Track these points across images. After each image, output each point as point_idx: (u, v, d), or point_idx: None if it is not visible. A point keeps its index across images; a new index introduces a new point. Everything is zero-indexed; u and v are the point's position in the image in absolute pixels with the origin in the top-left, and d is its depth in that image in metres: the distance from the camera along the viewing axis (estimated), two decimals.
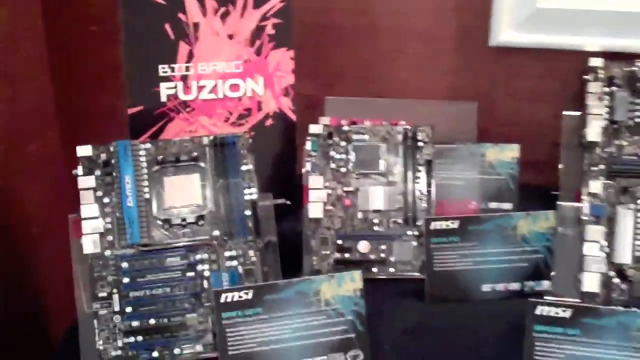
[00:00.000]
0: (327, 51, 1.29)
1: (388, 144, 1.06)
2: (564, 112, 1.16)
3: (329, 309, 0.85)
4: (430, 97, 1.25)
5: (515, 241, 0.98)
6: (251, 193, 0.93)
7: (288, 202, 1.04)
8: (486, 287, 0.98)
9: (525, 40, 1.20)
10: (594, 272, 0.87)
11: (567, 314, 0.80)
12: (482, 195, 1.15)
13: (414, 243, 1.03)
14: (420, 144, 1.06)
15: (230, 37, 1.09)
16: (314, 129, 1.05)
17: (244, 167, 0.94)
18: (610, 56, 1.15)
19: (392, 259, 1.04)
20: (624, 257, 0.87)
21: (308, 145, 1.05)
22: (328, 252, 1.04)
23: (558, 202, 0.96)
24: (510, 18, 1.19)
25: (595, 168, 1.12)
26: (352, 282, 0.86)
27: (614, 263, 0.87)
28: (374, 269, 1.04)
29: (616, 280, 0.87)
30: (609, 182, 0.91)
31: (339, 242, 1.04)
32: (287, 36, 1.11)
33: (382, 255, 1.04)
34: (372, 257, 1.04)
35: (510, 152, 1.16)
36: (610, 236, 0.88)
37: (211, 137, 0.94)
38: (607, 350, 0.80)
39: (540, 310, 0.81)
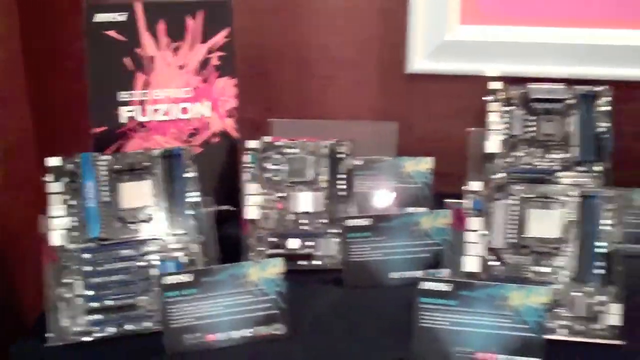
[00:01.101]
0: (268, 79, 1.48)
1: (315, 157, 1.24)
2: (470, 129, 1.35)
3: (255, 289, 1.03)
4: (358, 118, 1.44)
5: (419, 236, 1.16)
6: (193, 196, 1.11)
7: (232, 208, 1.23)
8: (394, 275, 1.16)
9: (436, 68, 1.40)
10: (474, 256, 1.06)
11: (448, 287, 0.98)
12: (402, 201, 1.33)
13: (337, 240, 1.21)
14: (342, 156, 1.24)
15: (181, 67, 1.27)
16: (251, 144, 1.24)
17: (187, 175, 1.12)
18: (508, 80, 1.34)
19: (318, 253, 1.22)
20: (499, 242, 1.06)
21: (247, 159, 1.24)
22: (263, 249, 1.22)
23: (445, 200, 1.15)
24: (422, 49, 1.39)
25: (495, 177, 1.32)
26: (275, 267, 1.03)
27: (492, 248, 1.06)
28: (303, 262, 1.22)
29: (493, 263, 1.06)
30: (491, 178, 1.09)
31: (273, 239, 1.22)
32: (230, 67, 1.30)
33: (310, 250, 1.22)
34: (301, 252, 1.22)
35: (425, 164, 1.34)
36: (488, 226, 1.06)
37: (160, 150, 1.13)
38: (480, 317, 0.97)
39: (426, 285, 0.99)
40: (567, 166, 1.32)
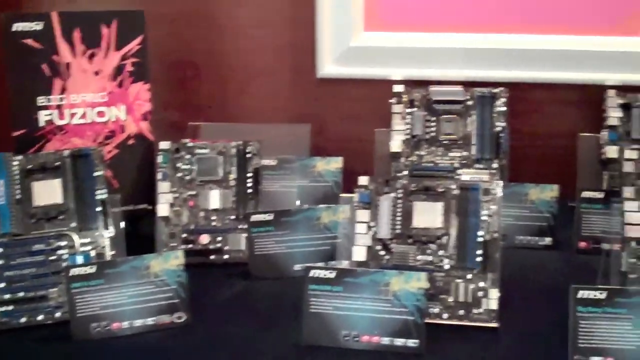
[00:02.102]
0: (188, 85, 1.55)
1: (225, 156, 1.31)
2: (376, 130, 1.43)
3: (157, 280, 1.09)
4: (273, 121, 1.51)
5: (319, 229, 1.24)
6: (102, 193, 1.18)
7: (149, 207, 1.30)
8: (297, 267, 1.23)
9: (344, 72, 1.48)
10: (361, 246, 1.13)
11: (333, 275, 1.05)
12: (313, 199, 1.40)
13: (245, 235, 1.28)
14: (249, 155, 1.31)
15: (97, 73, 1.34)
16: (163, 145, 1.31)
17: (96, 174, 1.18)
18: (411, 83, 1.42)
19: (226, 248, 1.29)
20: (385, 233, 1.13)
21: (159, 159, 1.30)
22: (175, 244, 1.29)
23: (341, 195, 1.22)
24: (330, 54, 1.47)
25: (400, 174, 1.39)
26: (176, 259, 1.10)
27: (379, 238, 1.13)
28: (212, 257, 1.29)
29: (381, 252, 1.13)
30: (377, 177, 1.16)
31: (184, 235, 1.29)
32: (144, 72, 1.37)
33: (219, 245, 1.29)
34: (211, 247, 1.29)
35: (335, 164, 1.42)
36: (376, 217, 1.14)
37: (70, 150, 1.19)
38: (364, 302, 1.04)
39: (313, 273, 1.06)
40: (466, 164, 1.41)
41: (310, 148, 1.49)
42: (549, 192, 1.31)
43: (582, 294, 1.01)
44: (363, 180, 1.14)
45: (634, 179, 1.11)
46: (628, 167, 1.11)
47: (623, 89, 1.41)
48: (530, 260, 1.29)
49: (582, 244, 1.29)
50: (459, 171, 1.36)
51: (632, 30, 1.43)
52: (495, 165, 1.39)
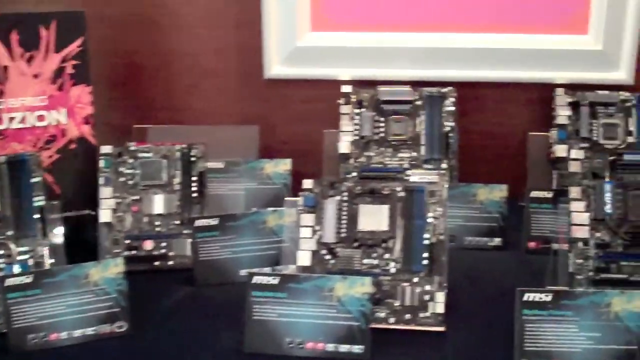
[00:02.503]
0: (135, 87, 1.52)
1: (169, 160, 1.28)
2: (325, 131, 1.41)
3: (97, 289, 1.06)
4: (221, 123, 1.49)
5: (266, 233, 1.21)
6: (39, 200, 1.14)
7: (92, 213, 1.26)
8: (243, 272, 1.21)
9: (292, 73, 1.46)
10: (306, 250, 1.11)
11: (276, 281, 1.03)
12: (261, 202, 1.38)
13: (190, 240, 1.25)
14: (194, 159, 1.29)
15: (36, 76, 1.30)
16: (104, 149, 1.28)
17: (34, 180, 1.15)
18: (360, 83, 1.41)
19: (171, 253, 1.26)
20: (331, 237, 1.11)
21: (101, 163, 1.27)
22: (119, 251, 1.26)
23: (285, 198, 1.20)
24: (277, 55, 1.45)
25: (349, 175, 1.37)
26: (115, 266, 1.07)
27: (324, 242, 1.11)
28: (157, 263, 1.26)
29: (326, 257, 1.11)
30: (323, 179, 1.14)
31: (128, 241, 1.26)
32: (85, 75, 1.33)
33: (164, 251, 1.26)
34: (156, 253, 1.26)
35: (283, 166, 1.39)
36: (320, 221, 1.12)
37: (6, 156, 1.16)
38: (308, 308, 1.02)
39: (256, 279, 1.03)
40: (415, 164, 1.39)
41: (259, 150, 1.46)
42: (498, 192, 1.30)
43: (528, 296, 0.99)
44: (307, 183, 1.12)
45: (581, 179, 1.10)
46: (574, 167, 1.10)
47: (572, 88, 1.40)
48: (480, 262, 1.28)
49: (532, 244, 1.28)
50: (408, 172, 1.35)
51: (580, 29, 1.42)
52: (444, 165, 1.38)
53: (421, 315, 1.08)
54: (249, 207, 1.35)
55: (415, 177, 1.29)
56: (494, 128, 1.48)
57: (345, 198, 1.12)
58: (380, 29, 1.45)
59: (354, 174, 1.36)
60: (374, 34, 1.45)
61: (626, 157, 1.10)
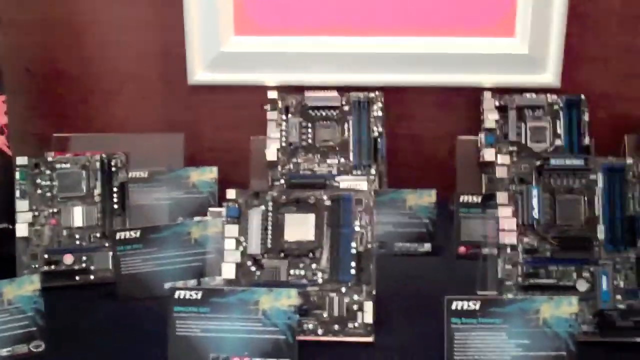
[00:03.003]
0: (56, 94, 1.47)
1: (88, 171, 1.24)
2: (252, 137, 1.38)
3: (12, 308, 1.02)
4: (145, 130, 1.44)
5: (191, 245, 1.18)
6: None
7: (10, 227, 1.21)
8: (168, 285, 1.17)
9: (217, 79, 1.42)
10: (230, 262, 1.08)
11: (199, 295, 1.00)
12: (188, 212, 1.34)
13: (111, 253, 1.21)
14: (114, 169, 1.24)
15: None
16: (20, 161, 1.22)
17: None
18: (286, 89, 1.38)
19: (93, 267, 1.22)
20: (256, 248, 1.08)
21: (17, 175, 1.22)
22: (37, 266, 1.21)
23: (209, 209, 1.17)
24: (201, 60, 1.41)
25: (277, 183, 1.35)
26: (31, 284, 1.02)
27: (249, 254, 1.08)
28: (78, 278, 1.21)
29: (252, 268, 1.08)
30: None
31: (47, 256, 1.21)
32: None
33: (85, 265, 1.22)
34: (76, 267, 1.22)
35: (210, 174, 1.36)
36: (246, 232, 1.08)
37: None
38: (233, 322, 0.99)
39: (178, 294, 1.00)
40: (344, 170, 1.37)
41: (185, 158, 1.42)
42: (427, 198, 1.28)
43: (456, 305, 0.98)
44: (231, 193, 1.09)
45: (508, 184, 1.09)
46: (501, 173, 1.09)
47: (500, 91, 1.40)
48: (410, 268, 1.26)
49: (462, 250, 1.27)
50: (337, 178, 1.33)
51: (506, 32, 1.41)
52: (373, 171, 1.36)
53: (350, 325, 1.06)
54: (174, 218, 1.31)
55: (345, 183, 1.28)
56: (423, 132, 1.47)
57: (270, 208, 1.09)
58: (306, 33, 1.42)
59: (282, 181, 1.34)
60: (300, 38, 1.42)
61: (553, 161, 1.09)
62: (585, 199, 1.08)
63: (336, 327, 1.06)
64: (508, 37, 1.41)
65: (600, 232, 1.07)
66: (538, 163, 1.09)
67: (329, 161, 1.37)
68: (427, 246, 1.29)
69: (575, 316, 0.98)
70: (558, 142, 1.37)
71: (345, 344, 1.05)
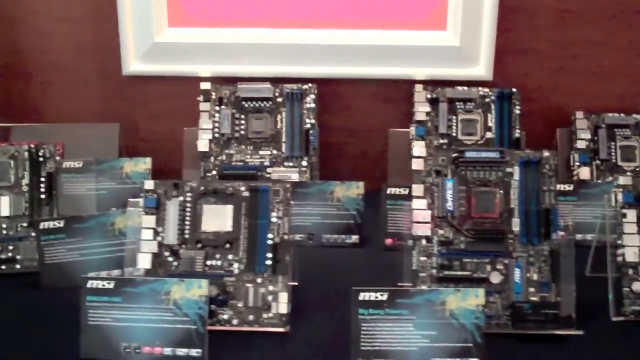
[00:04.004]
0: None
1: (16, 160, 1.24)
2: (185, 128, 1.38)
3: None
4: (81, 121, 1.45)
5: (114, 235, 1.18)
6: None
7: None
8: (92, 274, 1.17)
9: (151, 70, 1.43)
10: (146, 253, 1.08)
11: (111, 285, 1.00)
12: (122, 203, 1.34)
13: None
14: (42, 159, 1.25)
15: None
16: None
17: None
18: (220, 80, 1.38)
19: (19, 257, 1.22)
20: (172, 239, 1.09)
21: None
22: None
23: (129, 199, 1.17)
24: (135, 51, 1.41)
25: (209, 174, 1.35)
26: None
27: (166, 244, 1.09)
28: (4, 267, 1.22)
29: (169, 259, 1.09)
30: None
31: None
32: None
33: (11, 254, 1.22)
34: (3, 256, 1.22)
35: (143, 165, 1.36)
36: (163, 223, 1.09)
37: None
38: (144, 312, 1.00)
39: (91, 283, 1.01)
40: (276, 162, 1.38)
41: (122, 148, 1.43)
42: (355, 190, 1.29)
43: (364, 296, 0.99)
44: (149, 184, 1.10)
45: (425, 177, 1.10)
46: (417, 165, 1.10)
47: (432, 84, 1.40)
48: (336, 259, 1.27)
49: (389, 241, 1.28)
50: (269, 170, 1.34)
51: (438, 25, 1.42)
52: (305, 162, 1.37)
53: (265, 316, 1.07)
54: (107, 208, 1.31)
55: (276, 174, 1.29)
56: (356, 125, 1.47)
57: (188, 198, 1.09)
58: (240, 24, 1.42)
59: (215, 172, 1.35)
60: (234, 30, 1.42)
61: (468, 154, 1.10)
62: (501, 191, 1.09)
63: (251, 317, 1.07)
64: (440, 30, 1.42)
65: (515, 225, 1.08)
66: (454, 155, 1.10)
67: (261, 152, 1.38)
68: (355, 238, 1.30)
69: (482, 308, 0.99)
70: (489, 134, 1.38)
71: (260, 334, 1.06)
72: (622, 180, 1.13)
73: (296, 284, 1.15)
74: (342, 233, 1.30)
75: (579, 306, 1.08)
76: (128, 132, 1.44)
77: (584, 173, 1.36)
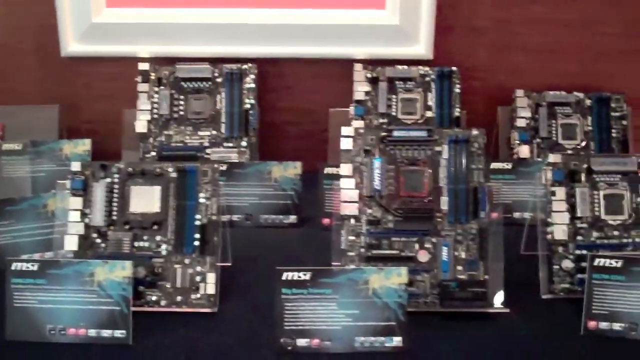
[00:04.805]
0: None
1: None
2: (125, 110, 1.38)
3: None
4: (22, 103, 1.43)
5: (47, 218, 1.17)
6: None
7: None
8: (25, 257, 1.17)
9: (90, 50, 1.42)
10: (73, 234, 1.08)
11: (35, 267, 1.00)
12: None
13: None
14: None
15: None
16: None
17: None
18: (159, 61, 1.37)
19: None
20: (100, 220, 1.08)
21: None
22: None
23: (57, 181, 1.17)
24: (73, 32, 1.40)
25: (148, 155, 1.35)
26: None
27: (93, 226, 1.08)
28: None
29: (97, 240, 1.08)
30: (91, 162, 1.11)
31: None
32: None
33: None
34: None
35: (82, 146, 1.35)
36: (90, 204, 1.09)
37: None
38: (69, 294, 1.00)
39: (16, 266, 1.00)
40: (215, 142, 1.37)
41: (64, 130, 1.42)
42: (292, 170, 1.29)
43: (287, 275, 0.99)
44: (75, 166, 1.10)
45: (353, 156, 1.10)
46: (345, 144, 1.10)
47: (373, 63, 1.40)
48: (274, 240, 1.27)
49: (326, 221, 1.28)
50: (208, 150, 1.34)
51: (377, 3, 1.41)
52: (244, 143, 1.37)
53: (193, 297, 1.07)
54: (47, 190, 1.30)
55: (216, 155, 1.29)
56: (299, 105, 1.47)
57: (116, 180, 1.09)
58: (179, 4, 1.41)
59: (154, 153, 1.35)
60: (173, 9, 1.41)
61: (396, 133, 1.10)
62: (430, 170, 1.09)
63: (179, 298, 1.07)
64: (379, 8, 1.41)
65: (444, 204, 1.09)
66: (382, 134, 1.10)
67: (200, 133, 1.37)
68: (293, 218, 1.30)
69: (405, 287, 0.99)
70: (429, 113, 1.38)
71: (189, 315, 1.06)
72: (552, 158, 1.13)
73: (229, 264, 1.15)
74: (279, 213, 1.30)
75: (511, 284, 1.08)
76: (70, 114, 1.43)
77: (524, 151, 1.36)
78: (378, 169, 1.08)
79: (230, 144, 1.36)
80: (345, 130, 1.10)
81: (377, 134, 1.10)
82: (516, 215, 1.29)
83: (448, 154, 1.09)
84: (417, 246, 1.08)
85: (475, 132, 1.10)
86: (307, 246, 1.24)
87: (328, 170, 1.28)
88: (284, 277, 0.99)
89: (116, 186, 1.09)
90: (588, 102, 1.40)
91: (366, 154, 1.10)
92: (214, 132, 1.37)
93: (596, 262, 1.03)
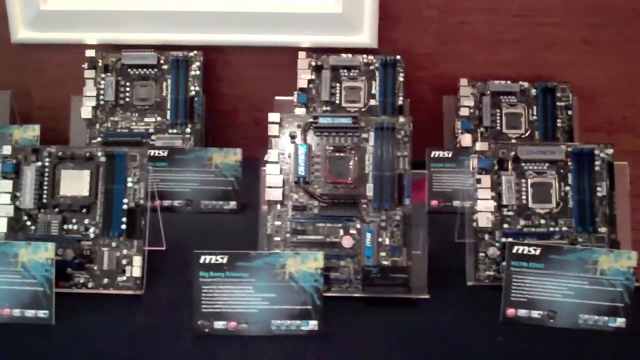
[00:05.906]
0: None
1: None
2: (72, 96, 1.40)
3: None
4: None
5: None
6: None
7: None
8: None
9: (39, 37, 1.43)
10: (3, 216, 1.09)
11: None
12: None
13: None
14: None
15: None
16: None
17: None
18: (106, 48, 1.39)
19: None
20: (28, 203, 1.10)
21: None
22: None
23: None
24: (22, 18, 1.41)
25: (95, 141, 1.37)
26: None
27: (23, 209, 1.10)
28: None
29: (27, 223, 1.10)
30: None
31: None
32: None
33: None
34: None
35: (32, 132, 1.37)
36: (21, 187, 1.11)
37: None
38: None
39: None
40: (161, 129, 1.39)
41: (15, 116, 1.44)
42: (233, 156, 1.30)
43: (204, 259, 1.01)
44: (7, 149, 1.11)
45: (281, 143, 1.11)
46: (273, 131, 1.11)
47: (318, 51, 1.41)
48: (213, 226, 1.28)
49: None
50: (153, 137, 1.36)
51: None
52: (188, 130, 1.38)
53: (119, 279, 1.09)
54: None
55: (160, 141, 1.30)
56: (246, 92, 1.48)
57: (47, 164, 1.11)
58: None
59: (99, 139, 1.36)
60: None
61: (322, 120, 1.11)
62: (356, 157, 1.11)
63: (106, 280, 1.09)
64: None
65: (369, 190, 1.10)
66: (309, 121, 1.11)
67: (146, 120, 1.39)
68: (233, 204, 1.31)
69: (321, 271, 1.01)
70: (373, 102, 1.39)
71: (115, 297, 1.08)
72: (479, 146, 1.14)
73: (163, 249, 1.17)
74: (220, 199, 1.31)
75: (439, 271, 1.10)
76: (22, 101, 1.45)
77: (466, 140, 1.37)
78: (303, 155, 1.10)
79: (175, 131, 1.38)
80: (272, 117, 1.11)
81: (304, 121, 1.11)
82: (456, 203, 1.30)
83: (374, 141, 1.11)
84: (341, 232, 1.10)
85: (401, 119, 1.12)
86: (244, 232, 1.26)
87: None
88: (201, 260, 1.01)
89: (47, 170, 1.11)
90: (533, 91, 1.41)
91: (292, 140, 1.11)
92: (160, 119, 1.39)
93: (515, 249, 1.05)
